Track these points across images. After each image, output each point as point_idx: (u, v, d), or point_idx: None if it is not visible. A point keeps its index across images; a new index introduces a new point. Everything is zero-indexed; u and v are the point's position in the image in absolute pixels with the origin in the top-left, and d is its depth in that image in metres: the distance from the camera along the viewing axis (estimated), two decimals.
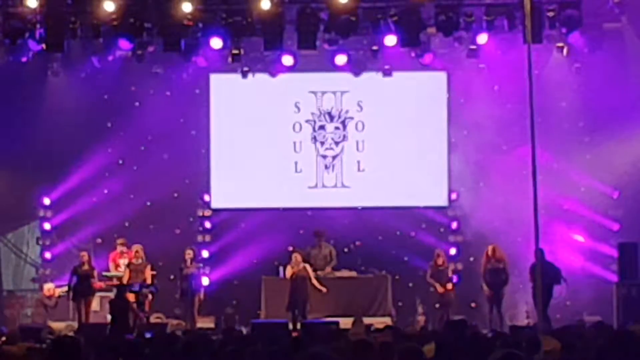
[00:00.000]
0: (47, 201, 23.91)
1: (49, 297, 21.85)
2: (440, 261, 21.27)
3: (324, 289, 21.29)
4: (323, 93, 24.41)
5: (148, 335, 15.32)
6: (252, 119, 24.17)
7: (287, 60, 22.64)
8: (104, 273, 22.01)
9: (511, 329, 17.05)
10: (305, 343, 10.25)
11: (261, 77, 23.65)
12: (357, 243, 23.49)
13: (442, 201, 24.05)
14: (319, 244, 22.52)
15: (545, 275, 17.00)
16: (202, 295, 21.38)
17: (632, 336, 11.40)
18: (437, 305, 21.43)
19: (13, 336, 14.79)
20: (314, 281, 21.17)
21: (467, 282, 22.13)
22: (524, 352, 10.19)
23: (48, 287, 22.09)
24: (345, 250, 23.26)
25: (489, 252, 20.80)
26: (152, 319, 21.16)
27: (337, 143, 24.40)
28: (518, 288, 20.74)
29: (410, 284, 22.81)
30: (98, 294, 21.55)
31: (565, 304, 21.66)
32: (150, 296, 21.16)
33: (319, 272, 21.75)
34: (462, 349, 10.01)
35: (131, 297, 20.84)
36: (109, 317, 20.41)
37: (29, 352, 10.10)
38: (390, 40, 21.15)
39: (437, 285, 21.24)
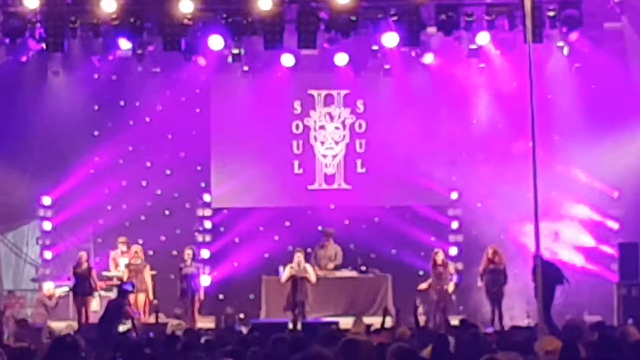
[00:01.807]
0: (47, 201, 23.89)
1: (49, 297, 21.84)
2: (439, 259, 21.22)
3: (313, 280, 21.06)
4: (323, 93, 24.39)
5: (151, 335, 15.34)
6: (252, 119, 24.14)
7: (288, 59, 22.64)
8: (104, 273, 22.02)
9: (511, 329, 17.01)
10: (305, 343, 10.24)
11: (261, 77, 23.64)
12: (357, 243, 23.47)
13: (442, 201, 24.04)
14: (326, 243, 22.46)
15: (547, 276, 16.96)
16: (201, 295, 21.37)
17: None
18: (435, 306, 21.36)
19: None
20: (312, 280, 21.01)
21: (467, 282, 22.11)
22: (524, 352, 10.19)
23: (48, 287, 22.07)
24: (346, 250, 23.23)
25: (489, 254, 20.77)
26: (152, 319, 21.16)
27: (337, 143, 24.39)
28: (518, 288, 20.71)
29: (410, 284, 22.77)
30: (98, 294, 21.51)
31: (565, 304, 21.65)
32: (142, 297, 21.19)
33: (319, 272, 21.73)
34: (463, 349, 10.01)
35: (134, 299, 20.91)
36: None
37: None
38: (391, 39, 21.15)
39: (424, 285, 21.19)
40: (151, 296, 21.37)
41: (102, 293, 21.70)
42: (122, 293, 19.82)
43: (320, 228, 22.88)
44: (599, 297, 21.68)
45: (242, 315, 22.30)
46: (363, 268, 22.55)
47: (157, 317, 20.83)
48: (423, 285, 21.29)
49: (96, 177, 23.72)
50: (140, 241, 22.18)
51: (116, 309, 19.35)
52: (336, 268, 22.37)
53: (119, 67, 23.14)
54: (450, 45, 22.04)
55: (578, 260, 22.70)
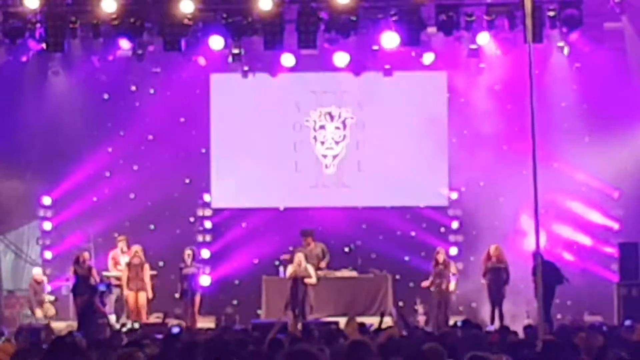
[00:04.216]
0: (47, 201, 23.90)
1: (39, 283, 21.92)
2: (440, 259, 21.22)
3: (314, 281, 21.05)
4: (323, 93, 24.38)
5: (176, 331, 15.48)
6: (252, 119, 24.16)
7: (288, 59, 22.63)
8: (104, 273, 22.00)
9: (511, 329, 17.02)
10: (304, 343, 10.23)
11: (261, 77, 23.64)
12: (357, 243, 23.49)
13: (442, 201, 24.03)
14: (307, 243, 22.27)
15: (547, 275, 16.97)
16: (200, 296, 21.35)
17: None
18: (437, 305, 21.35)
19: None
20: (312, 281, 21.00)
21: (467, 282, 22.10)
22: (524, 352, 10.19)
23: (36, 271, 22.17)
24: (346, 250, 23.25)
25: (491, 252, 20.78)
26: (152, 319, 21.19)
27: (337, 143, 24.39)
28: (519, 288, 20.70)
29: (411, 284, 22.79)
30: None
31: (566, 304, 21.68)
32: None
33: (319, 272, 21.71)
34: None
35: (133, 298, 20.99)
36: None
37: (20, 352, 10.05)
38: (391, 39, 21.14)
39: (425, 282, 21.22)
40: (150, 295, 21.33)
41: None
42: (93, 292, 19.85)
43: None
44: (599, 297, 21.69)
45: (242, 315, 22.28)
46: (363, 268, 22.55)
47: (164, 318, 20.96)
48: (426, 283, 21.31)
49: (96, 177, 23.73)
50: (140, 241, 22.13)
51: (88, 308, 19.41)
52: (327, 266, 22.21)
53: (119, 67, 23.14)
54: (450, 45, 22.03)
55: (578, 260, 22.70)
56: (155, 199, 23.75)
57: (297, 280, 20.87)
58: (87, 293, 20.96)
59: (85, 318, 19.31)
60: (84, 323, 19.06)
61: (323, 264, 22.07)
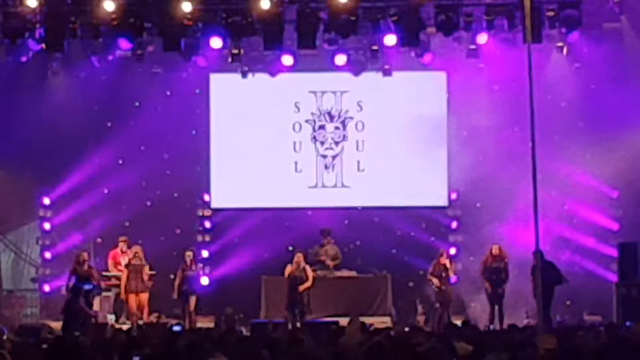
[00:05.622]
0: (47, 201, 23.91)
1: None
2: (442, 260, 21.26)
3: (309, 283, 21.08)
4: (323, 93, 24.42)
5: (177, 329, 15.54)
6: (252, 119, 24.18)
7: (287, 60, 22.63)
8: (104, 273, 22.01)
9: (511, 329, 17.03)
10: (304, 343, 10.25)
11: (261, 77, 23.64)
12: (357, 243, 23.50)
13: (442, 201, 24.05)
14: (325, 242, 22.43)
15: (546, 275, 16.99)
16: (196, 296, 21.36)
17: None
18: (437, 305, 21.37)
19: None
20: (308, 284, 20.99)
21: (467, 282, 22.12)
22: (522, 352, 10.22)
23: None
24: (345, 250, 23.25)
25: (492, 251, 20.82)
26: (152, 319, 21.20)
27: (337, 143, 24.41)
28: (518, 288, 20.73)
29: (410, 284, 22.82)
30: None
31: (565, 304, 21.69)
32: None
33: (319, 272, 21.76)
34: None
35: (133, 299, 20.99)
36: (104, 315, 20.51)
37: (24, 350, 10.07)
38: (390, 40, 21.15)
39: (435, 280, 21.20)
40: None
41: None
42: (77, 292, 19.82)
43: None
44: (598, 297, 21.70)
45: (242, 315, 22.30)
46: (363, 268, 22.57)
47: (160, 317, 20.97)
48: (436, 281, 21.21)
49: (96, 177, 23.72)
50: (140, 241, 22.15)
51: (71, 308, 19.39)
52: (336, 267, 22.36)
53: (119, 67, 23.14)
54: (450, 45, 22.05)
55: (578, 260, 22.72)
56: (155, 199, 23.77)
57: (295, 280, 20.88)
58: (83, 293, 21.01)
59: (68, 318, 19.28)
60: (67, 323, 19.03)
61: (330, 263, 22.16)
